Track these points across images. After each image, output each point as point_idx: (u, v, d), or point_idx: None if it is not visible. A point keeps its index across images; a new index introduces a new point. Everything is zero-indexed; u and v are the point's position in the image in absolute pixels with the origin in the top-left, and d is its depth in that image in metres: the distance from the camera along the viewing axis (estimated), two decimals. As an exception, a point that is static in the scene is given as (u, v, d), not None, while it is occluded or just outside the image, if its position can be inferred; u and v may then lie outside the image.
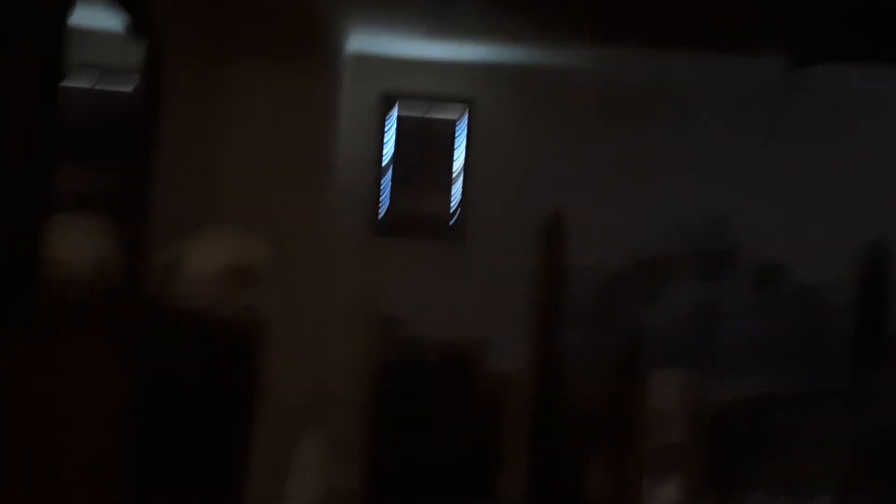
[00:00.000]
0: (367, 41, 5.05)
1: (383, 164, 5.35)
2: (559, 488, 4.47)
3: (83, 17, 2.25)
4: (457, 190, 5.37)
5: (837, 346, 4.95)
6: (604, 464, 3.79)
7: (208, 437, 3.00)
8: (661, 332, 4.89)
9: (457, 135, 5.39)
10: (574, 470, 4.20)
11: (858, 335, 5.00)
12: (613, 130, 5.37)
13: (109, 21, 2.69)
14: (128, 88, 2.95)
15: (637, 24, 4.52)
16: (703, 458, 3.24)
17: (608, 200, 5.25)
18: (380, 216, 5.33)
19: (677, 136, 5.34)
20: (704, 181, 5.24)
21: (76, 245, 2.57)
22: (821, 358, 4.83)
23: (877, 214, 5.14)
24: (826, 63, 4.18)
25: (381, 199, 5.33)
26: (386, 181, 5.35)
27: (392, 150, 5.36)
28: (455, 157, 5.39)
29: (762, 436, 3.25)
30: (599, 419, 4.01)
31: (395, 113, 5.37)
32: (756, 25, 4.23)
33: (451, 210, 5.38)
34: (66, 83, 2.21)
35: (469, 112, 5.37)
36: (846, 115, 5.29)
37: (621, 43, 4.79)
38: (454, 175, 5.38)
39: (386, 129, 5.36)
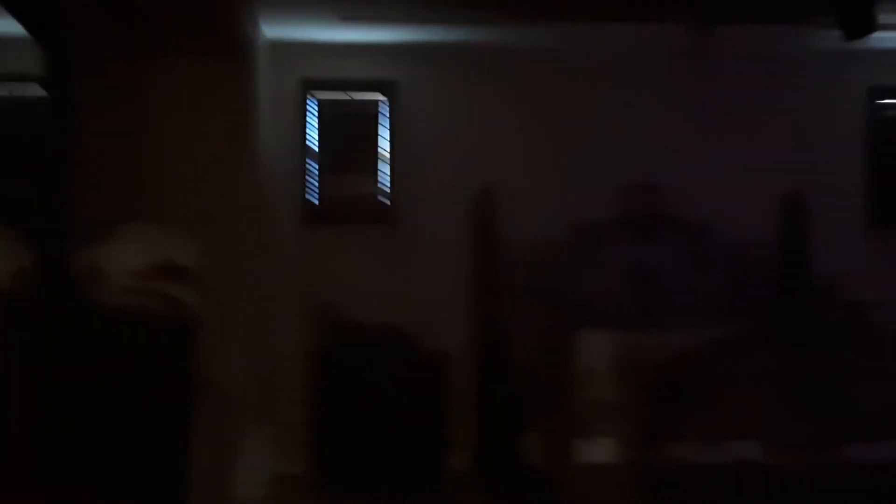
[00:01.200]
0: (282, 28, 5.01)
1: (309, 150, 5.32)
2: (504, 457, 4.56)
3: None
4: (386, 172, 5.38)
5: (763, 297, 5.13)
6: (540, 426, 3.88)
7: (147, 435, 3.00)
8: (596, 295, 5.01)
9: (381, 116, 5.40)
10: (515, 437, 4.28)
11: (782, 285, 5.18)
12: (537, 103, 5.44)
13: (13, 27, 2.64)
14: (38, 94, 2.89)
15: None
16: (635, 412, 3.34)
17: (537, 172, 5.34)
18: (309, 203, 5.31)
19: (600, 104, 5.43)
20: (629, 146, 5.36)
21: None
22: (748, 310, 5.00)
23: (793, 169, 5.33)
24: (730, 23, 4.30)
25: (309, 186, 5.31)
26: (313, 168, 5.32)
27: (317, 136, 5.34)
28: (381, 140, 5.39)
29: (692, 387, 3.36)
30: (536, 384, 4.09)
31: (316, 98, 5.35)
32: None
33: (382, 192, 5.38)
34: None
35: (392, 93, 5.38)
36: (760, 73, 5.46)
37: (538, 17, 4.85)
38: (382, 157, 5.39)
39: (308, 115, 5.33)
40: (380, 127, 5.39)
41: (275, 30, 5.06)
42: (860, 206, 5.48)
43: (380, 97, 5.39)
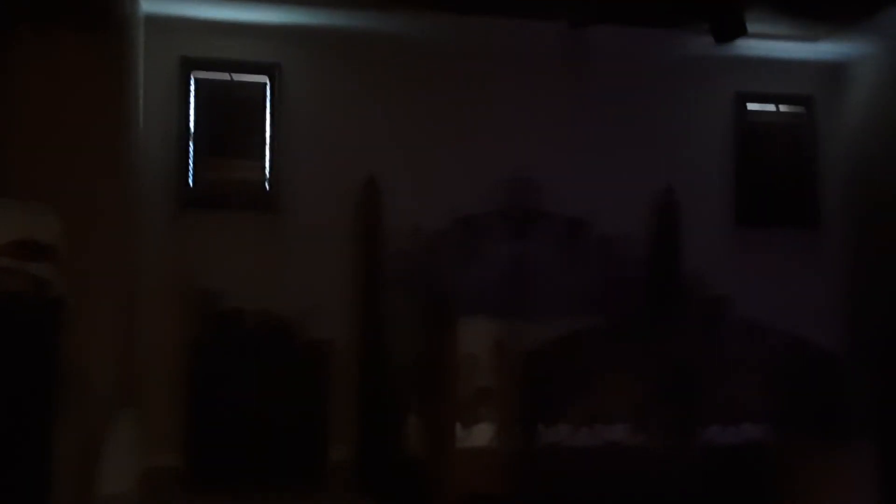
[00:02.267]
0: (162, 2, 4.83)
1: (188, 131, 5.15)
2: (384, 447, 4.56)
3: None
4: (269, 156, 5.26)
5: (633, 290, 5.34)
6: (421, 413, 3.91)
7: (4, 423, 2.84)
8: (475, 286, 5.08)
9: (265, 99, 5.28)
10: (397, 424, 4.29)
11: (651, 279, 5.41)
12: (422, 93, 5.45)
13: None
14: None
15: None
16: (512, 399, 3.41)
17: (419, 163, 5.35)
18: (188, 186, 5.14)
19: (482, 99, 5.49)
20: (508, 141, 5.45)
21: None
22: (619, 301, 5.19)
23: (664, 168, 5.56)
24: (604, 24, 4.46)
25: (189, 167, 5.14)
26: (192, 149, 5.15)
27: (197, 116, 5.17)
28: (265, 121, 5.27)
29: (564, 374, 3.46)
30: (415, 373, 4.11)
31: (198, 78, 5.18)
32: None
33: (264, 177, 5.27)
34: None
35: (276, 76, 5.27)
36: (634, 75, 5.66)
37: (425, 6, 4.88)
38: (265, 141, 5.27)
39: (189, 95, 5.16)
40: (264, 110, 5.26)
41: (154, 4, 4.88)
42: (727, 205, 5.76)
43: (264, 79, 5.27)
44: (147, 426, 4.63)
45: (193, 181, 5.15)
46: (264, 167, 5.26)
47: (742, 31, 3.73)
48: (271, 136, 5.26)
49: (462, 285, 5.06)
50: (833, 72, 5.83)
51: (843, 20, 5.04)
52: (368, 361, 4.96)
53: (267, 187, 5.25)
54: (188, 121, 5.15)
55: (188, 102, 5.15)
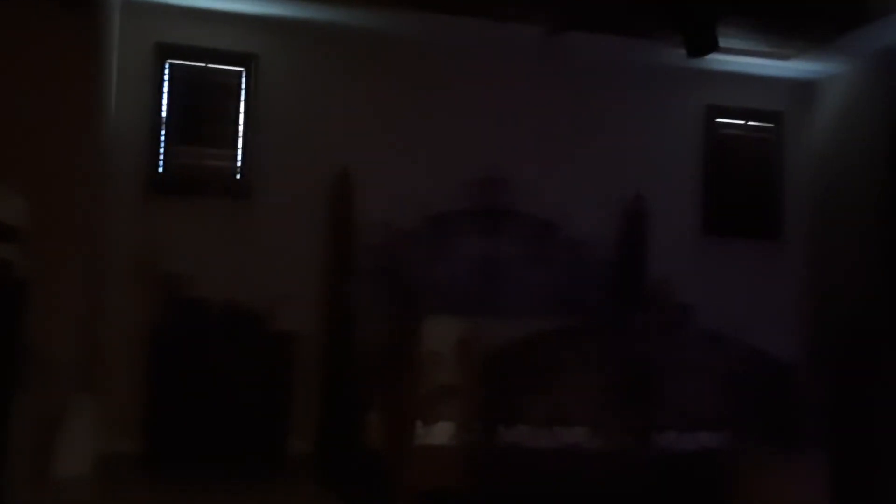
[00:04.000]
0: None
1: (161, 118, 5.10)
2: (344, 439, 4.57)
3: None
4: (241, 145, 5.24)
5: (600, 293, 5.40)
6: (382, 408, 3.92)
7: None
8: (443, 283, 5.10)
9: (240, 88, 5.25)
10: (358, 418, 4.31)
11: (618, 283, 5.47)
12: (397, 89, 5.47)
13: None
14: None
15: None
16: (473, 398, 3.44)
17: (392, 159, 5.36)
18: (158, 172, 5.10)
19: (458, 97, 5.52)
20: (481, 140, 5.49)
21: None
22: (587, 304, 5.25)
23: (635, 175, 5.64)
24: (578, 30, 4.50)
25: (159, 153, 5.10)
26: (164, 136, 5.11)
27: (170, 103, 5.13)
28: (239, 111, 5.25)
29: (526, 375, 3.49)
30: (379, 367, 4.13)
31: (173, 64, 5.14)
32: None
33: (235, 166, 5.25)
34: None
35: (252, 64, 5.25)
36: (610, 83, 5.73)
37: (403, 3, 4.88)
38: (238, 130, 5.25)
39: (163, 81, 5.12)
40: (239, 98, 5.24)
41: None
42: (694, 214, 5.84)
43: (240, 67, 5.25)
44: (107, 410, 4.59)
45: (164, 167, 5.11)
46: (236, 156, 5.24)
47: (714, 47, 3.80)
48: (245, 126, 5.24)
49: (430, 282, 5.09)
50: (802, 89, 5.95)
51: (814, 39, 5.13)
52: (333, 354, 4.97)
53: (238, 176, 5.23)
54: (161, 107, 5.11)
55: (161, 89, 5.11)
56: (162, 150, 5.10)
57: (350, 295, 5.01)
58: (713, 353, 3.69)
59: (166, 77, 5.12)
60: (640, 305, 5.34)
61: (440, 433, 3.52)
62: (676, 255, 5.62)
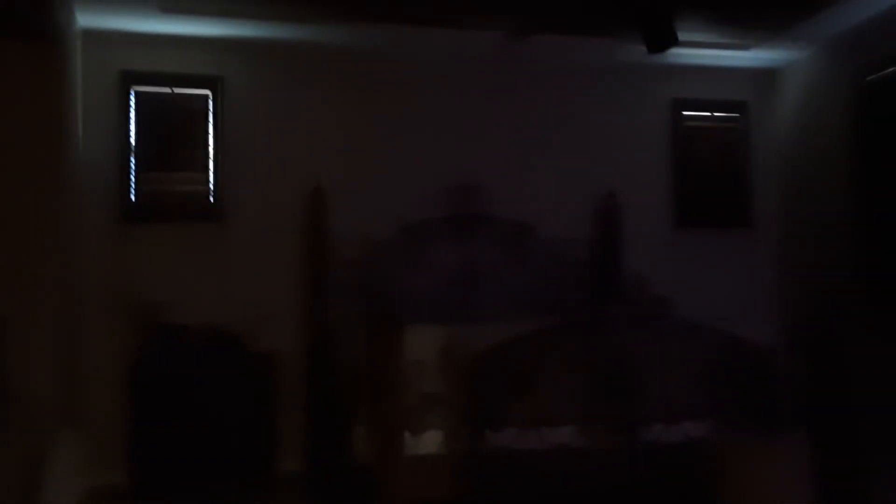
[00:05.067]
0: (101, 16, 4.78)
1: (129, 145, 5.09)
2: (332, 455, 4.56)
3: None
4: (212, 168, 5.23)
5: (578, 292, 5.44)
6: (369, 421, 3.92)
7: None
8: (421, 292, 5.12)
9: (208, 112, 5.25)
10: (345, 433, 4.30)
11: (594, 280, 5.51)
12: (363, 102, 5.49)
13: None
14: None
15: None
16: (459, 404, 3.44)
17: (363, 171, 5.39)
18: (129, 200, 5.08)
19: (424, 106, 5.55)
20: (451, 148, 5.53)
21: None
22: (563, 303, 5.29)
23: (605, 173, 5.69)
24: (539, 34, 4.53)
25: (130, 181, 5.08)
26: (133, 163, 5.09)
27: (138, 130, 5.11)
28: (208, 134, 5.24)
29: (510, 377, 3.50)
30: (363, 380, 4.13)
31: (138, 91, 5.13)
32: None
33: (208, 189, 5.23)
34: None
35: (218, 87, 5.25)
36: (575, 82, 5.79)
37: (366, 17, 4.90)
38: (208, 153, 5.24)
39: (129, 109, 5.10)
40: (207, 122, 5.24)
41: (91, 18, 4.82)
42: (665, 208, 5.90)
43: (206, 91, 5.24)
44: (90, 443, 4.56)
45: (136, 195, 5.09)
46: (208, 179, 5.23)
47: (673, 42, 3.84)
48: (214, 149, 5.24)
49: (409, 291, 5.10)
50: (765, 78, 6.03)
51: (772, 27, 5.20)
52: (316, 371, 4.97)
53: (211, 199, 5.22)
54: (129, 135, 5.09)
55: (128, 116, 5.09)
56: (133, 178, 5.08)
57: (329, 311, 5.01)
58: (691, 343, 3.72)
59: (132, 104, 5.11)
60: (617, 301, 5.38)
61: (428, 442, 3.53)
62: (650, 249, 5.69)
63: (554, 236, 5.45)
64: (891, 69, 4.89)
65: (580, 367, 3.65)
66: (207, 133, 5.24)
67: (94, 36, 4.97)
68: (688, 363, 3.70)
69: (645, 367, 3.66)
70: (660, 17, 3.71)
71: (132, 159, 5.09)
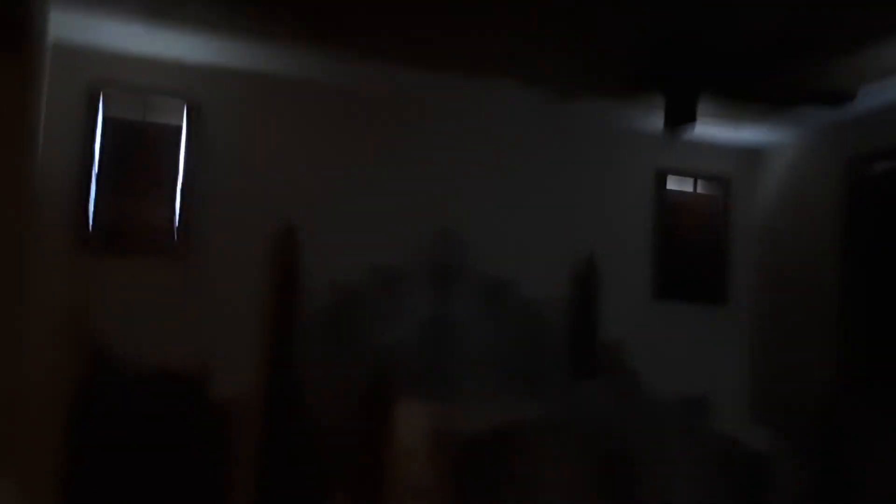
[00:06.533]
0: (75, 28, 4.42)
1: (92, 169, 4.72)
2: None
3: None
4: (179, 200, 4.90)
5: (555, 356, 5.29)
6: (345, 495, 3.67)
7: None
8: (397, 346, 4.89)
9: (180, 140, 4.92)
10: (307, 496, 4.03)
11: (572, 346, 5.37)
12: (345, 143, 5.25)
13: None
14: None
15: (375, 37, 4.44)
16: (447, 489, 3.24)
17: (339, 213, 5.15)
18: (87, 227, 4.70)
19: (409, 152, 5.35)
20: (436, 196, 5.33)
21: None
22: (541, 368, 5.14)
23: (588, 237, 5.57)
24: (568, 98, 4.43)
25: (89, 207, 4.71)
26: (95, 188, 4.73)
27: (103, 154, 4.75)
28: (178, 163, 4.91)
29: (500, 468, 3.32)
30: (339, 445, 3.87)
31: (108, 112, 4.77)
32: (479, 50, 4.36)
33: (173, 222, 4.89)
34: None
35: (194, 114, 4.93)
36: (565, 144, 5.68)
37: (356, 52, 4.68)
38: (176, 184, 4.91)
39: (95, 130, 4.74)
40: (177, 151, 4.91)
41: (66, 30, 4.45)
42: (645, 278, 5.82)
43: (179, 119, 4.91)
44: (27, 482, 4.16)
45: (94, 222, 4.72)
46: (174, 212, 4.89)
47: (691, 119, 3.73)
48: (184, 180, 4.91)
49: (381, 342, 4.86)
50: (751, 156, 6.04)
51: (765, 109, 5.18)
52: (275, 424, 4.66)
53: (175, 232, 4.88)
54: (92, 157, 4.72)
55: (94, 138, 4.72)
56: (93, 204, 4.71)
57: (295, 360, 4.73)
58: (688, 442, 3.61)
59: (100, 125, 4.75)
60: (593, 372, 5.26)
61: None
62: (627, 319, 5.60)
63: (532, 295, 5.31)
64: (878, 164, 4.93)
65: (570, 458, 3.51)
66: (178, 162, 4.91)
67: (66, 50, 4.61)
68: (682, 461, 3.59)
69: (638, 462, 3.52)
70: (685, 94, 3.59)
71: (94, 184, 4.72)
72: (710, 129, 5.57)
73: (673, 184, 5.93)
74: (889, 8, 3.55)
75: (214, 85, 4.97)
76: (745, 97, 3.81)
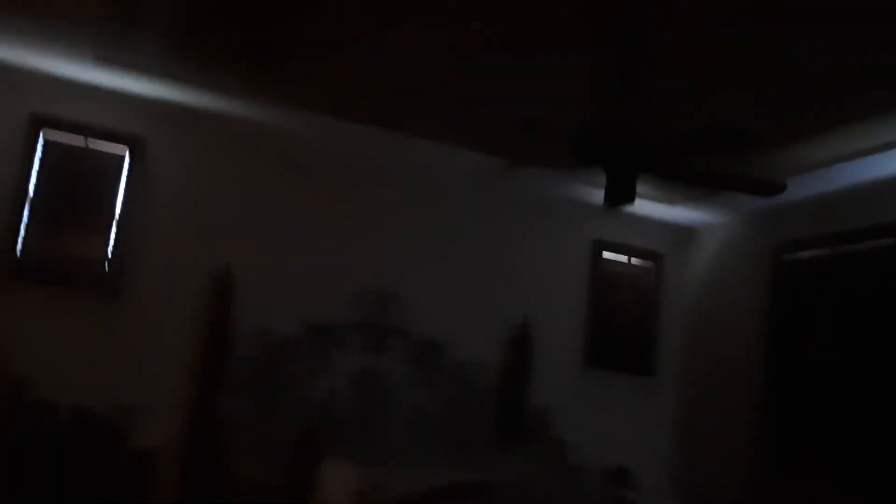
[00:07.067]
0: (18, 52, 4.32)
1: (26, 195, 4.59)
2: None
3: None
4: (114, 234, 4.78)
5: (484, 419, 5.28)
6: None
7: None
8: (326, 401, 4.81)
9: (121, 172, 4.83)
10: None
11: (502, 410, 5.37)
12: (290, 192, 5.23)
13: None
14: None
15: (324, 93, 4.44)
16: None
17: (279, 261, 5.09)
18: (16, 255, 4.54)
19: (352, 203, 5.35)
20: (376, 254, 5.33)
21: None
22: (469, 431, 5.12)
23: (521, 302, 5.63)
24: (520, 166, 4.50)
25: (19, 235, 4.55)
26: (27, 215, 4.59)
27: (40, 179, 4.63)
28: (116, 196, 4.81)
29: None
30: (261, 501, 3.76)
31: (48, 138, 4.67)
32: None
33: (106, 256, 4.77)
34: None
35: (136, 149, 4.85)
36: (503, 208, 5.76)
37: (305, 105, 4.67)
38: (113, 217, 4.80)
39: (34, 155, 4.62)
40: (117, 183, 4.82)
41: (7, 52, 4.34)
42: (577, 346, 5.88)
43: (122, 151, 4.83)
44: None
45: (23, 251, 4.56)
46: (107, 245, 4.77)
47: (630, 200, 3.84)
48: (121, 213, 4.80)
49: (313, 400, 4.78)
50: (683, 234, 6.24)
51: (699, 191, 5.37)
52: (195, 473, 4.50)
53: (107, 267, 4.75)
54: (28, 183, 4.59)
55: (31, 163, 4.60)
56: (23, 232, 4.56)
57: (218, 409, 4.60)
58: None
59: (39, 151, 4.63)
60: (521, 437, 5.26)
61: None
62: (558, 385, 5.64)
63: (464, 358, 5.32)
64: (803, 251, 5.15)
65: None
66: (116, 195, 4.81)
67: (8, 72, 4.49)
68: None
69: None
70: (625, 174, 3.70)
71: (26, 211, 4.58)
72: (648, 206, 5.73)
73: (609, 256, 6.06)
74: (819, 107, 3.78)
75: (165, 118, 4.90)
76: (681, 180, 3.93)
